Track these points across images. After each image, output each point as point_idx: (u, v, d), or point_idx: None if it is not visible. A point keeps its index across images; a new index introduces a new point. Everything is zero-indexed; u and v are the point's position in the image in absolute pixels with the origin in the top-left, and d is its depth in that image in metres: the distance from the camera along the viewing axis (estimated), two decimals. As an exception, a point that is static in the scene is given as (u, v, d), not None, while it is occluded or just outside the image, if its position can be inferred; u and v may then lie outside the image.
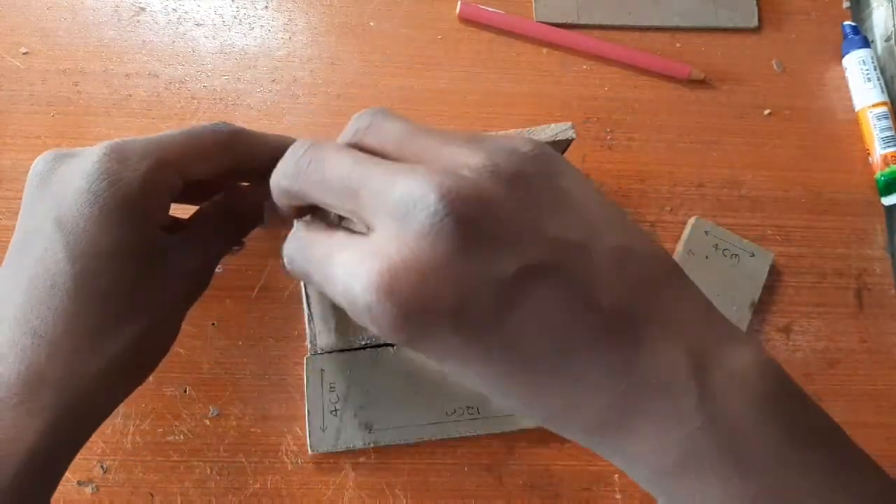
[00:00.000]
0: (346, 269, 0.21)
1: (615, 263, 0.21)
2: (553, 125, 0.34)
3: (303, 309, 0.37)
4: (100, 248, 0.26)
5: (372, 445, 0.35)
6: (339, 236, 0.22)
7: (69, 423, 0.26)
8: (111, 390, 0.28)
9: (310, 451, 0.35)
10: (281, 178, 0.24)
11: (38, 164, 0.28)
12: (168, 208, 0.29)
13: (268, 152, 0.31)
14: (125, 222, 0.27)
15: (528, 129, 0.34)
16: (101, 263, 0.26)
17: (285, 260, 0.25)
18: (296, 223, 0.25)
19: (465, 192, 0.20)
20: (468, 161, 0.21)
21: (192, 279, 0.30)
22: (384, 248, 0.20)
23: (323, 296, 0.36)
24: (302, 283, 0.37)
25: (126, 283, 0.27)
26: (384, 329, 0.20)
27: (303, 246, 0.24)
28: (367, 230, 0.21)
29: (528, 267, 0.20)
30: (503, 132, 0.33)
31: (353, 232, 0.22)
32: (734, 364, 0.21)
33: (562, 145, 0.35)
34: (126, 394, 0.29)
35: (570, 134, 0.34)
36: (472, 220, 0.19)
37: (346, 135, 0.25)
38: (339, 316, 0.36)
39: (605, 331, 0.20)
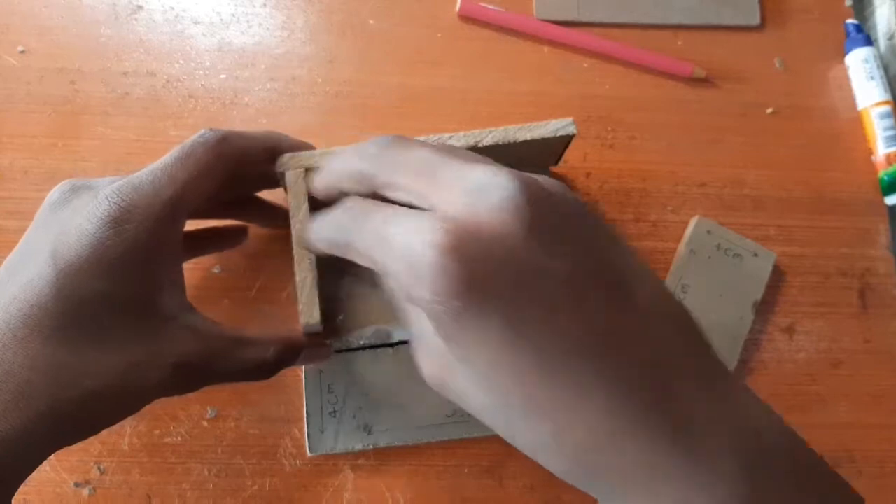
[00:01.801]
0: (409, 228, 0.21)
1: (657, 308, 0.21)
2: (553, 121, 0.34)
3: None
4: (89, 294, 0.25)
5: (371, 447, 0.35)
6: (398, 207, 0.22)
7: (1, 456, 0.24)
8: (42, 441, 0.25)
9: (308, 454, 0.35)
10: (357, 160, 0.25)
11: (55, 193, 0.28)
12: (179, 260, 0.29)
13: (259, 146, 0.31)
14: (123, 275, 0.26)
15: (528, 124, 0.33)
16: (84, 310, 0.25)
17: (314, 232, 0.26)
18: (339, 204, 0.25)
19: (537, 185, 0.21)
20: (533, 174, 0.22)
21: (180, 369, 0.27)
22: (454, 215, 0.20)
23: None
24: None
25: (105, 335, 0.26)
26: (440, 290, 0.19)
27: (353, 214, 0.24)
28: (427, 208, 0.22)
29: (592, 273, 0.20)
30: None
31: (408, 207, 0.22)
32: (768, 438, 0.21)
33: (562, 141, 0.35)
34: (55, 449, 0.26)
35: (571, 130, 0.33)
36: (542, 208, 0.20)
37: (355, 158, 0.26)
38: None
39: (651, 368, 0.20)
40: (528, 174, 0.22)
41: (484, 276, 0.19)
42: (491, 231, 0.20)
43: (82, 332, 0.25)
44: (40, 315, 0.25)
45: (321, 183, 0.27)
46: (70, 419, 0.25)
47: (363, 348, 0.36)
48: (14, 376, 0.24)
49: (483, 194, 0.20)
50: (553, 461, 0.21)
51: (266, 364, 0.30)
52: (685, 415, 0.20)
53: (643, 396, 0.20)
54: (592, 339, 0.20)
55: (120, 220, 0.26)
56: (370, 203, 0.24)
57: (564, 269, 0.20)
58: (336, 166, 0.26)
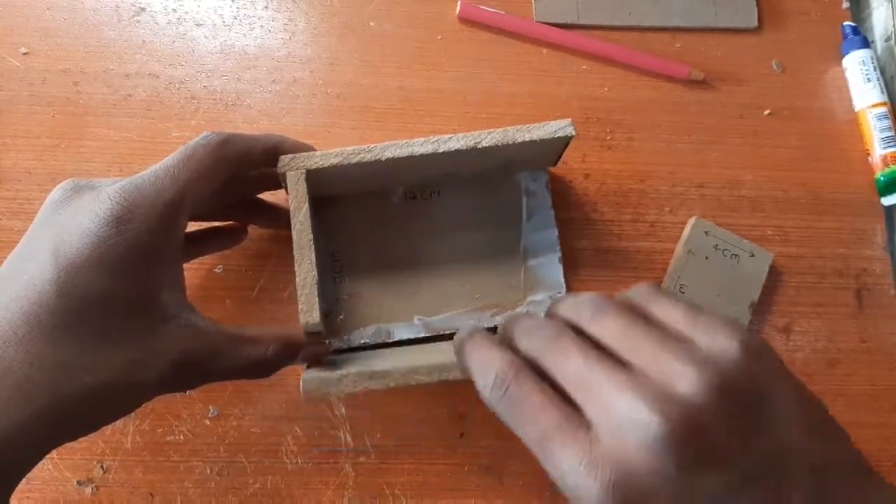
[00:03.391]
0: (572, 464, 0.22)
1: (815, 478, 0.23)
2: (552, 122, 0.34)
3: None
4: (90, 292, 0.26)
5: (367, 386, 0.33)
6: (556, 416, 0.24)
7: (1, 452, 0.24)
8: (41, 438, 0.26)
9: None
10: (531, 340, 0.26)
11: (56, 192, 0.28)
12: (180, 260, 0.29)
13: (260, 147, 0.32)
14: (125, 273, 0.26)
15: (527, 126, 0.34)
16: (84, 308, 0.26)
17: (482, 387, 0.26)
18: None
19: (681, 417, 0.21)
20: (683, 376, 0.22)
21: (180, 367, 0.28)
22: (609, 457, 0.22)
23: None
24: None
25: (105, 333, 0.26)
26: None
27: (514, 399, 0.25)
28: (585, 420, 0.23)
29: (738, 482, 0.22)
30: None
31: (569, 413, 0.24)
32: None
33: (561, 142, 0.35)
34: (54, 446, 0.26)
35: (570, 131, 0.34)
36: (687, 443, 0.21)
37: (569, 312, 0.27)
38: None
39: None
40: (682, 384, 0.22)
41: None
42: (642, 468, 0.21)
43: (83, 329, 0.26)
44: (41, 313, 0.25)
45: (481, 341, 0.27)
46: (70, 416, 0.26)
47: (363, 348, 0.37)
48: (14, 373, 0.24)
49: (630, 433, 0.22)
50: None
51: (265, 362, 0.30)
52: None
53: None
54: None
55: (122, 220, 0.26)
56: (526, 394, 0.25)
57: (717, 487, 0.21)
58: (511, 325, 0.27)
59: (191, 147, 0.29)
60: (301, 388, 0.31)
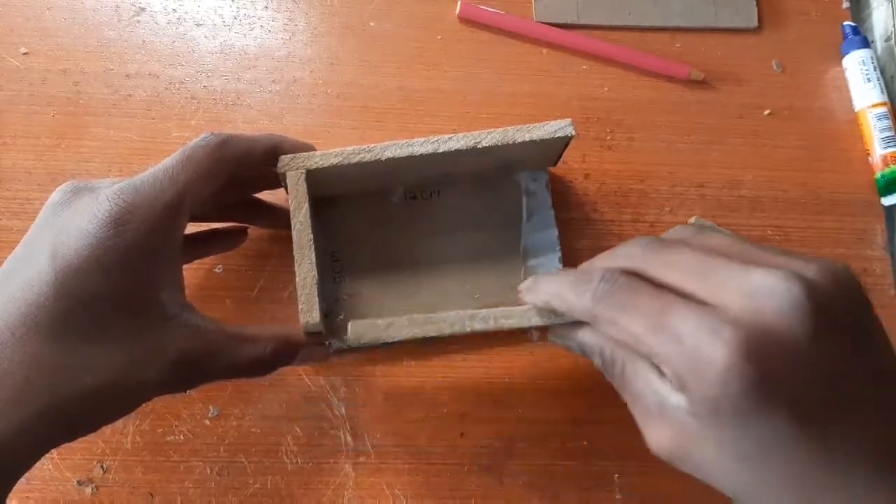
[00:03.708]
0: (698, 325, 0.22)
1: None
2: (552, 122, 0.34)
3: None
4: (88, 293, 0.25)
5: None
6: (671, 296, 0.24)
7: None
8: (40, 439, 0.26)
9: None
10: (624, 259, 0.26)
11: (56, 194, 0.28)
12: (179, 261, 0.29)
13: (260, 148, 0.32)
14: (123, 274, 0.26)
15: (527, 126, 0.34)
16: (83, 308, 0.25)
17: (551, 290, 0.28)
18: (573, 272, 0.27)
19: (818, 289, 0.22)
20: (805, 268, 0.23)
21: (180, 367, 0.28)
22: (742, 319, 0.22)
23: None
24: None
25: (104, 333, 0.26)
26: (732, 390, 0.21)
27: (617, 290, 0.25)
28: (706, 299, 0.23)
29: (868, 374, 0.22)
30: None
31: (688, 296, 0.24)
32: None
33: (561, 142, 0.35)
34: (54, 446, 0.26)
35: (570, 131, 0.34)
36: (824, 313, 0.22)
37: (673, 236, 0.27)
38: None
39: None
40: (806, 267, 0.23)
41: (772, 380, 0.21)
42: (778, 335, 0.22)
43: (81, 330, 0.26)
44: (39, 314, 0.25)
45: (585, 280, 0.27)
46: (69, 417, 0.26)
47: (363, 348, 0.37)
48: (12, 375, 0.24)
49: (767, 298, 0.22)
50: None
51: (264, 361, 0.30)
52: None
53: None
54: (865, 434, 0.22)
55: (120, 221, 0.26)
56: (638, 282, 0.25)
57: (844, 372, 0.22)
58: (599, 263, 0.27)
59: (190, 148, 0.29)
60: (349, 333, 0.31)
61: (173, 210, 0.28)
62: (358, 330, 0.31)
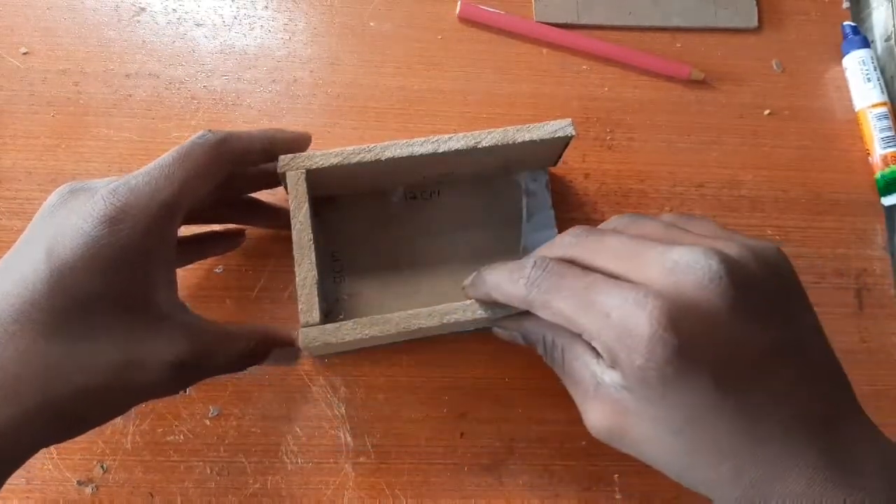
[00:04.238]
0: (624, 300, 0.23)
1: (829, 364, 0.25)
2: (552, 122, 0.34)
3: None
4: (83, 292, 0.25)
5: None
6: (600, 276, 0.25)
7: None
8: (34, 436, 0.26)
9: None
10: (558, 248, 0.28)
11: (54, 196, 0.28)
12: (174, 260, 0.29)
13: (258, 146, 0.32)
14: (118, 274, 0.26)
15: (527, 125, 0.34)
16: (77, 307, 0.25)
17: (491, 281, 0.29)
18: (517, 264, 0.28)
19: (737, 264, 0.23)
20: (729, 246, 0.24)
21: (175, 368, 0.28)
22: (665, 292, 0.23)
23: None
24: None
25: (98, 333, 0.26)
26: (657, 357, 0.22)
27: (550, 273, 0.26)
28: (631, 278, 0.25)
29: (784, 343, 0.23)
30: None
31: (615, 276, 0.25)
32: None
33: (561, 142, 0.35)
34: (47, 444, 0.26)
35: (570, 131, 0.34)
36: (743, 287, 0.23)
37: (607, 225, 0.29)
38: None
39: (823, 417, 0.23)
40: (727, 245, 0.24)
41: (694, 347, 0.22)
42: (697, 306, 0.23)
43: (75, 329, 0.25)
44: (32, 311, 0.25)
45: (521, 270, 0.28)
46: (62, 415, 0.26)
47: (363, 348, 0.36)
48: (4, 371, 0.24)
49: (687, 272, 0.23)
50: (726, 492, 0.24)
51: (250, 356, 0.32)
52: (847, 456, 0.23)
53: (819, 444, 0.23)
54: (782, 400, 0.23)
55: (115, 220, 0.26)
56: (567, 266, 0.26)
57: (762, 342, 0.23)
58: (540, 252, 0.29)
59: (187, 146, 0.29)
60: (300, 342, 0.31)
61: (169, 209, 0.27)
62: (309, 335, 0.31)
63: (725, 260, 0.23)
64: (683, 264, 0.23)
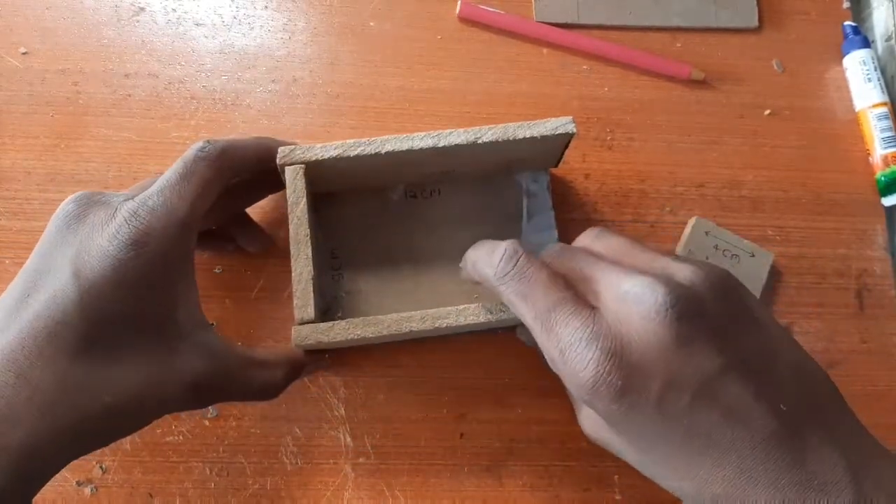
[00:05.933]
0: (574, 337, 0.24)
1: (794, 375, 0.25)
2: (553, 119, 0.34)
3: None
4: (111, 314, 0.26)
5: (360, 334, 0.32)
6: (566, 293, 0.26)
7: (26, 468, 0.24)
8: (64, 453, 0.26)
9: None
10: (546, 257, 0.29)
11: (69, 204, 0.28)
12: (193, 276, 0.30)
13: (253, 155, 0.32)
14: (143, 295, 0.27)
15: (528, 122, 0.34)
16: (106, 329, 0.26)
17: (473, 261, 0.30)
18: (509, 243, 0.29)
19: (684, 295, 0.24)
20: (681, 272, 0.25)
21: (194, 388, 0.29)
22: (610, 330, 0.24)
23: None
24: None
25: (124, 353, 0.27)
26: (603, 400, 0.24)
27: (517, 274, 0.27)
28: (591, 304, 0.25)
29: (728, 366, 0.23)
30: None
31: (576, 294, 0.26)
32: (882, 474, 0.23)
33: (562, 140, 0.35)
34: (74, 459, 0.27)
35: (570, 128, 0.34)
36: (688, 317, 0.23)
37: (579, 241, 0.30)
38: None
39: (779, 432, 0.23)
40: (680, 275, 0.25)
41: (638, 381, 0.23)
42: (641, 338, 0.24)
43: (104, 350, 0.26)
44: (65, 332, 0.25)
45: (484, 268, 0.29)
46: (90, 433, 0.26)
47: (361, 345, 0.36)
48: (42, 392, 0.25)
49: (635, 304, 0.24)
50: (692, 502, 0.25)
51: (276, 386, 0.32)
52: (815, 467, 0.23)
53: (777, 462, 0.23)
54: (740, 418, 0.23)
55: (139, 243, 0.27)
56: (536, 270, 0.27)
57: (709, 367, 0.23)
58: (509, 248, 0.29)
59: (191, 161, 0.29)
60: (293, 340, 0.31)
61: (187, 228, 0.28)
62: (301, 333, 0.31)
63: (674, 290, 0.24)
64: (633, 295, 0.24)
